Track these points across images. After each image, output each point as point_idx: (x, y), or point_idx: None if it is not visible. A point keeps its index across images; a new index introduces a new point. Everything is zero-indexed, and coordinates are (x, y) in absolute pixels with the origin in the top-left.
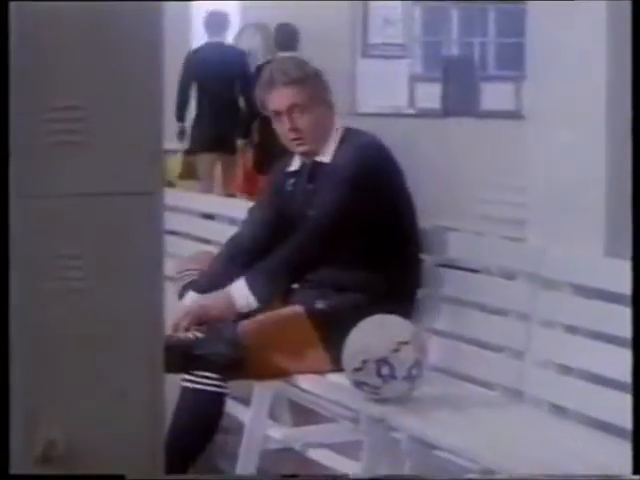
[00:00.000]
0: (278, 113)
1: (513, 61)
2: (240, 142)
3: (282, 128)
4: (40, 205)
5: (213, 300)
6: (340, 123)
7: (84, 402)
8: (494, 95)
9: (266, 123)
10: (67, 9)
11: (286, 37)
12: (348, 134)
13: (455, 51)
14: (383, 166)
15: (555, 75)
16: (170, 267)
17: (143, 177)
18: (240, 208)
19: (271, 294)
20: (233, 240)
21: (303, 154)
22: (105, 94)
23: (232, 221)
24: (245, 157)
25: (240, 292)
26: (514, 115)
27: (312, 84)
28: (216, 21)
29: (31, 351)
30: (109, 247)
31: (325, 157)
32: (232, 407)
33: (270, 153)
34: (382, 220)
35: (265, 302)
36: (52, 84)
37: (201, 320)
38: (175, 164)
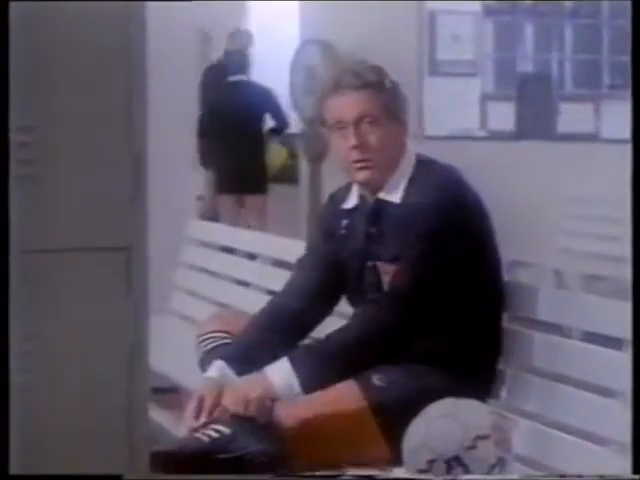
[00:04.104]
0: (341, 125)
1: (591, 79)
2: None
3: (343, 145)
4: None
5: (247, 383)
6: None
7: None
8: (571, 116)
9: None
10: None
11: (236, 62)
12: (422, 166)
13: (530, 68)
14: (470, 214)
15: None
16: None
17: (119, 228)
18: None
19: (320, 381)
20: (277, 299)
21: (365, 184)
22: (71, 121)
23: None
24: None
25: (281, 373)
26: (593, 138)
27: (390, 93)
28: (235, 59)
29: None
30: (79, 313)
31: (393, 195)
32: None
33: (230, 171)
34: (462, 278)
35: (311, 390)
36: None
37: (235, 410)
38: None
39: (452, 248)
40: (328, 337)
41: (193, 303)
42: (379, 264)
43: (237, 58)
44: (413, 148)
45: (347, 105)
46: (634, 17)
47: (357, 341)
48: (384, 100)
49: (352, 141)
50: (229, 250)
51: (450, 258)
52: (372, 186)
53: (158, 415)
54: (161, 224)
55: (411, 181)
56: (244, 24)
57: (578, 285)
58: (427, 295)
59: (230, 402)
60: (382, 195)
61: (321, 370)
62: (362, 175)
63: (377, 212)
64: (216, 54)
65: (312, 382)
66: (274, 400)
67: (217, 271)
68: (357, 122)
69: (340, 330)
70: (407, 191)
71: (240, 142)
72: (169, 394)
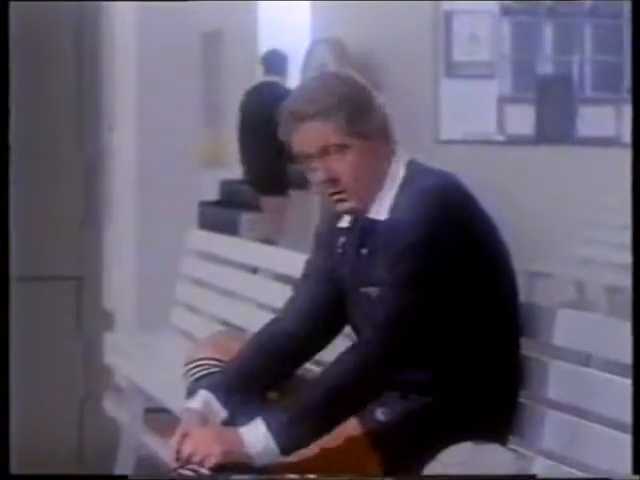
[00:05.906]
0: (308, 159)
1: (612, 81)
2: None
3: (315, 179)
4: None
5: (216, 433)
6: (406, 157)
7: None
8: (591, 119)
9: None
10: None
11: (274, 62)
12: (410, 176)
13: (549, 69)
14: (461, 222)
15: None
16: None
17: (71, 257)
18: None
19: (301, 440)
20: (274, 322)
21: (349, 213)
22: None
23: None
24: None
25: (256, 435)
26: (614, 142)
27: (355, 111)
28: (272, 60)
29: None
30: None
31: (379, 212)
32: None
33: (249, 172)
34: (465, 297)
35: (292, 450)
36: None
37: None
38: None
39: (437, 266)
40: (309, 387)
41: (192, 319)
42: (370, 290)
43: (275, 58)
44: (403, 156)
45: (307, 137)
46: (634, 17)
47: (340, 392)
48: (350, 121)
49: (321, 176)
50: (231, 262)
51: (436, 278)
52: (358, 213)
53: (150, 440)
54: (159, 233)
55: (398, 194)
56: (254, 22)
57: (600, 297)
58: (419, 321)
59: (188, 448)
60: (370, 214)
61: (302, 428)
62: (343, 207)
63: (366, 232)
64: (225, 52)
65: (292, 442)
66: (249, 464)
67: (217, 284)
68: (322, 154)
69: (320, 381)
70: (393, 206)
71: (259, 144)
72: (163, 414)
